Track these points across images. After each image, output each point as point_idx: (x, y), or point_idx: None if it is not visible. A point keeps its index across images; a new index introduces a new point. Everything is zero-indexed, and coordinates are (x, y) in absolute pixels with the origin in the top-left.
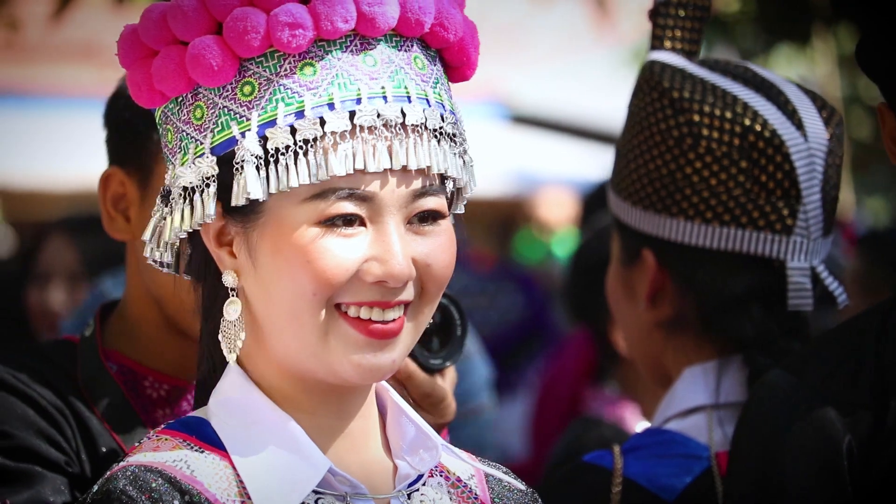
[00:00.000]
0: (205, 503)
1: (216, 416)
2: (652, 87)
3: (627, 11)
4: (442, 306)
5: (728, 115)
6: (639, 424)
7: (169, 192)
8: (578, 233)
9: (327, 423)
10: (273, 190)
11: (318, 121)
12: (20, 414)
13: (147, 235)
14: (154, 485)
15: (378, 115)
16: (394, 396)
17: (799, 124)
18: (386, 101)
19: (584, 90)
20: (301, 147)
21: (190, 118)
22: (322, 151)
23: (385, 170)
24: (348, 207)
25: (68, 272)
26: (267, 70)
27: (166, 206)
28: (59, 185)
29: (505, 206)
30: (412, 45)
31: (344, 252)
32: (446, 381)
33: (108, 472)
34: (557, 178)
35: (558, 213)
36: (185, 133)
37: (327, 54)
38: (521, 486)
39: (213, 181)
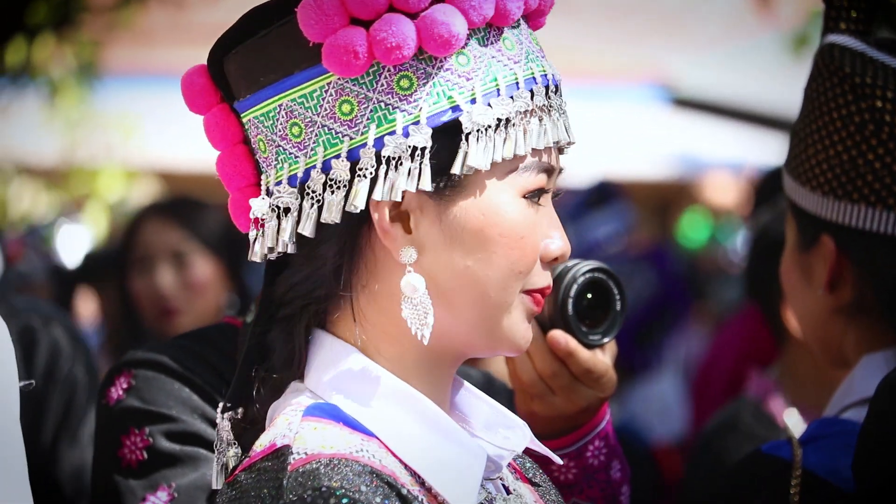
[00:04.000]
0: (407, 495)
1: (340, 401)
2: (832, 71)
3: None
4: (599, 281)
5: None
6: (786, 413)
7: (305, 182)
8: (744, 220)
9: (440, 405)
10: (497, 159)
11: (529, 93)
12: (184, 398)
13: (285, 230)
14: (366, 479)
15: (556, 91)
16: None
17: None
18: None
19: (746, 75)
20: (520, 118)
21: (393, 88)
22: (528, 124)
23: (554, 146)
24: (544, 180)
25: (172, 252)
26: (478, 42)
27: (302, 195)
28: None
29: (665, 188)
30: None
31: (540, 228)
32: (607, 356)
33: (290, 466)
34: (720, 161)
35: (724, 198)
36: (382, 104)
37: (513, 31)
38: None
39: (428, 152)
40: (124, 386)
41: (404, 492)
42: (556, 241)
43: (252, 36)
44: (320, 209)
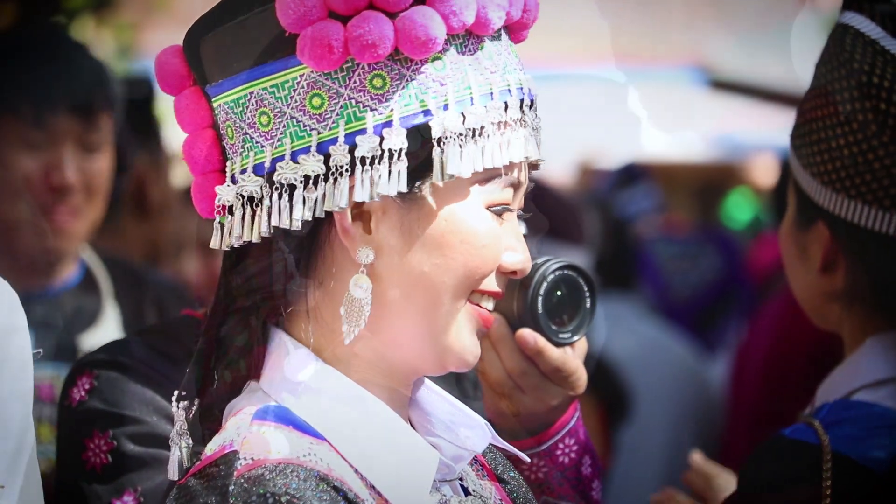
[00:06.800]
0: (355, 499)
1: (291, 403)
2: (841, 62)
3: None
4: (570, 279)
5: None
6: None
7: (273, 173)
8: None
9: (398, 411)
10: (478, 168)
11: (503, 105)
12: (148, 399)
13: (261, 226)
14: (311, 484)
15: (531, 106)
16: None
17: None
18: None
19: (784, 57)
20: (492, 129)
21: (366, 87)
22: (501, 136)
23: (524, 162)
24: (509, 195)
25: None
26: (456, 48)
27: (273, 187)
28: None
29: (705, 170)
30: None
31: (503, 239)
32: (577, 354)
33: (236, 472)
34: (758, 143)
35: (768, 179)
36: (353, 101)
37: (493, 42)
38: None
39: (403, 154)
40: (86, 387)
41: (351, 496)
42: (519, 255)
43: (230, 20)
44: (292, 201)
